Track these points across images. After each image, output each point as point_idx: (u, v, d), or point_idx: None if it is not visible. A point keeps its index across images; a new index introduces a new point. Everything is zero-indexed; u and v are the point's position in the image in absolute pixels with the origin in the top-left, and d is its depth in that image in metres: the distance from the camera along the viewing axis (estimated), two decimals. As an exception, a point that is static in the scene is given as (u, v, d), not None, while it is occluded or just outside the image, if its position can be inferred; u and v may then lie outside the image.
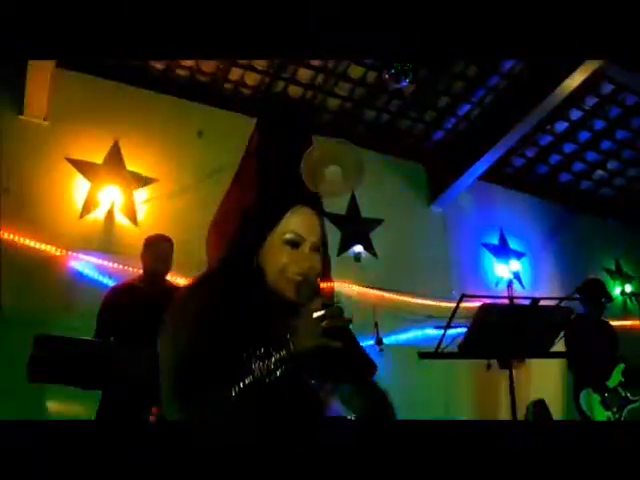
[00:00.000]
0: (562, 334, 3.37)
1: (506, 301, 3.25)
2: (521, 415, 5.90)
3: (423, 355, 3.26)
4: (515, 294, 6.36)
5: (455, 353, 3.16)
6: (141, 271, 3.66)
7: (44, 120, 4.51)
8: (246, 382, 1.25)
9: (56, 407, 3.86)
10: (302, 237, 1.46)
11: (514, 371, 6.31)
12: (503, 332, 3.02)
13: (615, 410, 4.64)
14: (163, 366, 1.32)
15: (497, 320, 3.02)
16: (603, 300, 4.98)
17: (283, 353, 1.28)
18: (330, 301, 1.40)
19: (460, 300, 3.10)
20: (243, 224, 1.50)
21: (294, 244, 1.45)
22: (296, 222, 1.47)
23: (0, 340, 3.65)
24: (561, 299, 3.43)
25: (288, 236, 1.45)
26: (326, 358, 1.38)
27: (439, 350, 3.14)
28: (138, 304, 3.41)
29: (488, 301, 3.25)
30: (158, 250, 3.57)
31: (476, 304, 3.23)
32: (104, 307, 3.48)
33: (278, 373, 1.28)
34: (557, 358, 3.42)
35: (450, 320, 3.11)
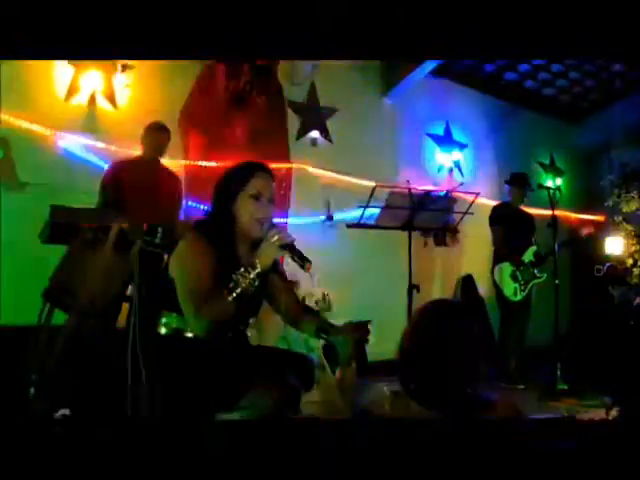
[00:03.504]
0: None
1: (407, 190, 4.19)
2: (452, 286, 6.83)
3: (349, 225, 4.35)
4: (453, 181, 7.10)
5: (372, 225, 4.21)
6: (128, 151, 4.31)
7: (28, 6, 4.81)
8: (238, 291, 2.00)
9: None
10: (262, 193, 2.16)
11: (448, 249, 7.22)
12: (405, 212, 4.11)
13: (522, 283, 5.49)
14: (181, 287, 2.05)
15: (400, 203, 4.09)
16: (527, 189, 5.74)
17: (256, 269, 2.02)
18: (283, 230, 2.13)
19: (373, 190, 4.09)
20: (219, 186, 2.21)
21: (257, 198, 2.14)
22: (258, 183, 2.16)
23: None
24: (449, 191, 4.30)
25: (253, 192, 2.15)
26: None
27: (361, 222, 4.19)
28: (135, 181, 4.07)
29: (396, 190, 4.21)
30: (156, 138, 4.21)
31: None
32: (107, 178, 4.12)
33: (256, 283, 2.04)
34: (450, 232, 4.53)
35: (369, 201, 4.09)
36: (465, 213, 4.37)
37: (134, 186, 4.02)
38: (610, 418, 2.53)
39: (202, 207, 5.08)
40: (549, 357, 5.12)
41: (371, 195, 4.05)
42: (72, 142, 4.73)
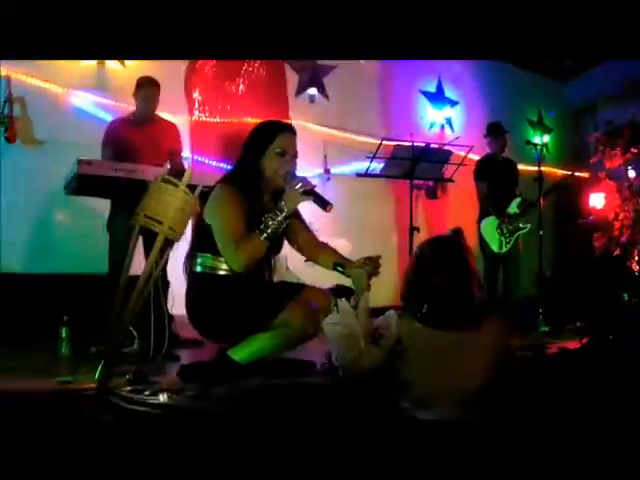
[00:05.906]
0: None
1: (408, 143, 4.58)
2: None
3: (359, 174, 4.93)
4: (445, 137, 7.36)
5: (377, 174, 4.79)
6: (132, 107, 4.49)
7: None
8: (269, 232, 2.31)
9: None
10: (287, 150, 2.45)
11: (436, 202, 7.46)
12: (408, 162, 4.55)
13: (507, 235, 5.73)
14: (219, 231, 2.35)
15: (402, 155, 4.51)
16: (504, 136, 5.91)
17: (284, 212, 2.33)
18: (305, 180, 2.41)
19: (380, 143, 4.50)
20: (247, 143, 2.49)
21: (282, 155, 2.44)
22: (283, 141, 2.46)
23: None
24: (443, 144, 4.64)
25: (279, 150, 2.45)
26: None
27: (368, 172, 4.72)
28: (132, 135, 4.26)
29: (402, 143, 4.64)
30: (144, 92, 4.29)
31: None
32: (106, 137, 4.31)
33: (285, 224, 2.37)
34: (445, 182, 5.33)
35: (375, 153, 4.53)
36: (460, 164, 4.72)
37: (131, 140, 4.17)
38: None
39: (207, 161, 5.36)
40: (532, 303, 5.45)
41: (378, 148, 4.47)
42: (84, 100, 4.95)
